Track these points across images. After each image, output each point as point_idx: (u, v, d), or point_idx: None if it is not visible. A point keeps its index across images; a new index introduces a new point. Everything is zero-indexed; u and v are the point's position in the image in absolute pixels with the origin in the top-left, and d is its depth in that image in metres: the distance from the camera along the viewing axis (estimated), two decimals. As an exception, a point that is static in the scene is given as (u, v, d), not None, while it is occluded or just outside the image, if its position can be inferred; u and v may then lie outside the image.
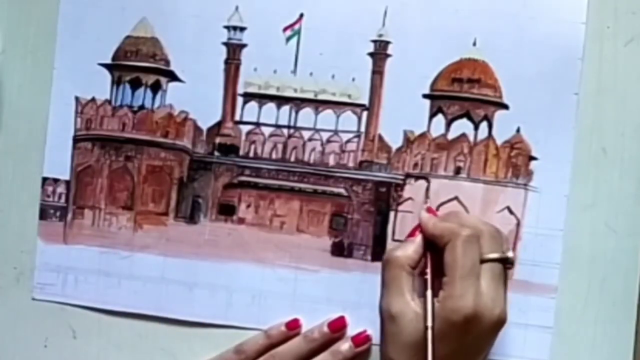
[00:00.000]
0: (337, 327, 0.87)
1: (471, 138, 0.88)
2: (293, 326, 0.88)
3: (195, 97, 0.90)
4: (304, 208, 0.90)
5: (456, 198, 0.88)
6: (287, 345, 0.87)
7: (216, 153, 0.91)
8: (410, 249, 0.79)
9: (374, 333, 0.86)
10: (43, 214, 0.93)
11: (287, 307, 0.89)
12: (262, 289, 0.90)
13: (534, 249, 0.86)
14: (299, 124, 0.90)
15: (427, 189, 0.88)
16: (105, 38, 0.91)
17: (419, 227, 0.81)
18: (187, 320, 0.91)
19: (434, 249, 0.79)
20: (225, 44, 0.90)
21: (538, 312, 0.87)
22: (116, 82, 0.92)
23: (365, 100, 0.89)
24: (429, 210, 0.83)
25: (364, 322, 0.88)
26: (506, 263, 0.78)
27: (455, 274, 0.75)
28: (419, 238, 0.80)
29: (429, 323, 0.74)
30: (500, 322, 0.76)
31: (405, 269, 0.78)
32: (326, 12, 0.88)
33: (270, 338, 0.87)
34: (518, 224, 0.87)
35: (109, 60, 0.91)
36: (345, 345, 0.86)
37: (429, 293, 0.76)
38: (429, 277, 0.78)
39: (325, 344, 0.86)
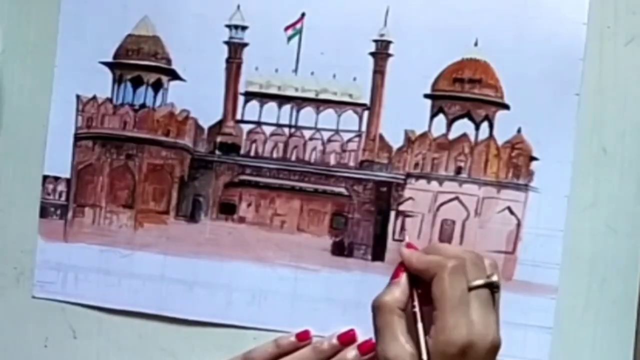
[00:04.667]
0: (347, 340, 0.86)
1: (472, 138, 0.88)
2: (303, 337, 0.87)
3: (197, 96, 0.91)
4: (304, 207, 0.90)
5: (457, 198, 0.88)
6: (295, 355, 0.86)
7: (217, 152, 0.91)
8: (397, 292, 0.77)
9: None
10: (43, 212, 0.93)
11: (287, 306, 0.89)
12: (262, 288, 0.90)
13: (534, 249, 0.87)
14: (300, 123, 0.90)
15: (403, 226, 0.88)
16: (107, 36, 0.91)
17: (402, 267, 0.78)
18: (187, 319, 0.91)
19: (420, 283, 0.77)
20: (226, 42, 0.90)
21: (538, 313, 0.87)
22: (117, 81, 0.92)
23: (366, 100, 0.89)
24: (408, 246, 0.80)
25: (364, 322, 0.87)
26: (492, 287, 0.77)
27: (445, 306, 0.73)
28: (403, 278, 0.78)
29: (424, 357, 0.74)
30: (494, 348, 0.75)
31: (396, 313, 0.76)
32: (328, 12, 0.88)
33: (280, 347, 0.87)
34: (518, 224, 0.87)
35: (110, 59, 0.92)
36: (351, 353, 0.85)
37: (419, 326, 0.75)
38: (418, 314, 0.76)
39: (333, 355, 0.86)
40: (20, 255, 0.94)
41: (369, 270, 0.89)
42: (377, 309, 0.77)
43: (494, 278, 0.76)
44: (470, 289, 0.75)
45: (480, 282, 0.75)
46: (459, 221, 0.88)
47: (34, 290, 0.93)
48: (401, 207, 0.89)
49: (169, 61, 0.91)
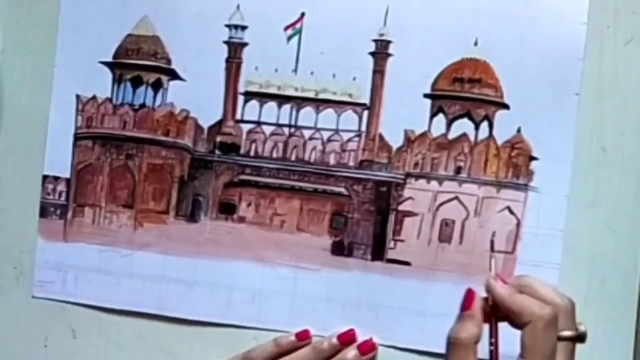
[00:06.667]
0: (347, 340, 0.86)
1: (472, 138, 0.88)
2: (303, 337, 0.87)
3: (197, 96, 0.91)
4: (304, 207, 0.90)
5: (457, 198, 0.88)
6: (295, 355, 0.86)
7: (217, 152, 0.91)
8: (473, 327, 0.72)
9: (374, 333, 0.86)
10: (44, 212, 0.93)
11: (287, 306, 0.89)
12: (262, 288, 0.90)
13: (534, 249, 0.86)
14: (300, 123, 0.90)
15: (492, 254, 0.77)
16: (107, 36, 0.91)
17: (473, 295, 0.72)
18: (187, 319, 0.91)
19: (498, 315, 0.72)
20: (226, 42, 0.90)
21: (538, 313, 0.87)
22: (117, 81, 0.92)
23: (366, 100, 0.89)
24: (497, 278, 0.73)
25: (364, 322, 0.88)
26: (579, 340, 0.72)
27: (534, 359, 0.69)
28: (478, 313, 0.72)
29: None
30: None
31: (472, 349, 0.71)
32: (328, 12, 0.88)
33: (280, 347, 0.87)
34: (518, 224, 0.87)
35: (110, 59, 0.92)
36: (351, 353, 0.85)
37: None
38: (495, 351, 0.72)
39: (333, 355, 0.86)
40: (20, 255, 0.94)
41: (369, 270, 0.89)
42: (454, 345, 0.71)
43: (582, 328, 0.72)
44: (560, 339, 0.71)
45: (570, 334, 0.71)
46: (459, 221, 0.88)
47: (34, 290, 0.93)
48: (401, 207, 0.89)
49: (169, 61, 0.91)
